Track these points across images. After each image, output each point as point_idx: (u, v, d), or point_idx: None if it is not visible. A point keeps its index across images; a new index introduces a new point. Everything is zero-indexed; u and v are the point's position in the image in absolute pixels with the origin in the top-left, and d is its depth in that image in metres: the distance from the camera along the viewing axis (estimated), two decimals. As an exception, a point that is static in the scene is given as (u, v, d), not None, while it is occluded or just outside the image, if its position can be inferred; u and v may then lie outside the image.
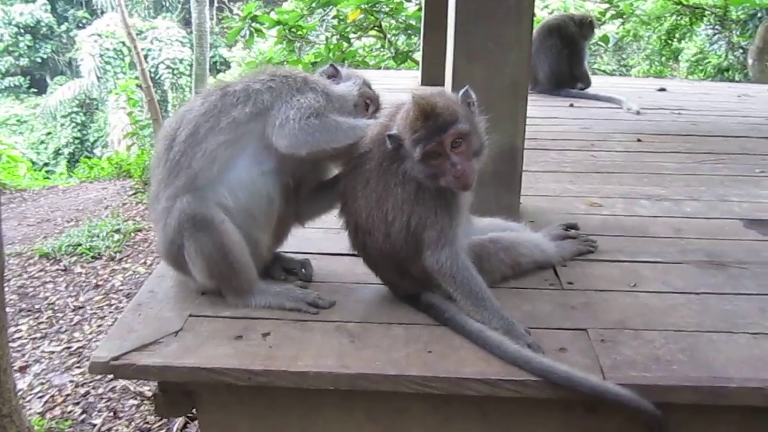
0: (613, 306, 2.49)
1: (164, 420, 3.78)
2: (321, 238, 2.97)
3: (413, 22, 10.40)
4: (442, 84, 3.41)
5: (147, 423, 3.88)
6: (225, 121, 2.37)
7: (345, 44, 10.64)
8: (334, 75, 2.73)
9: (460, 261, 2.30)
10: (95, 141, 23.88)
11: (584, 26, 7.25)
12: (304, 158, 2.39)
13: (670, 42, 14.01)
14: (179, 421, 3.73)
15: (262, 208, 2.43)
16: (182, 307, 2.44)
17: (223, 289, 2.45)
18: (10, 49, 26.13)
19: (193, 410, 2.35)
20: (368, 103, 2.70)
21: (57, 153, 23.68)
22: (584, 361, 2.13)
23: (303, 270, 2.71)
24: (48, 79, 27.73)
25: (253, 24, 10.15)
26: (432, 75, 6.83)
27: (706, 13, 13.00)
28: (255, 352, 2.16)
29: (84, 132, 24.25)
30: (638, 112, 6.19)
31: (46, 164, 22.35)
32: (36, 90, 26.99)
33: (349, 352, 2.17)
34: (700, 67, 14.23)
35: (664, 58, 15.09)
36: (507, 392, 2.07)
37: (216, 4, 25.07)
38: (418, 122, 2.17)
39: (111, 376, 3.68)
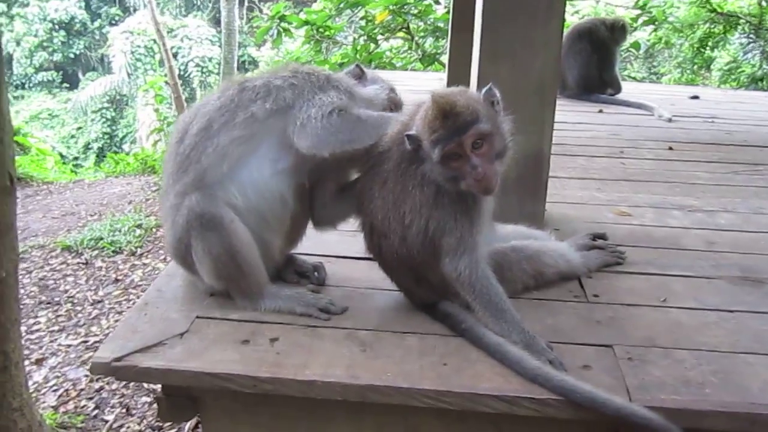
0: (641, 322, 2.37)
1: (176, 418, 3.73)
2: (336, 240, 2.88)
3: (441, 25, 10.30)
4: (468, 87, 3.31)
5: (159, 421, 3.83)
6: (242, 116, 2.30)
7: (372, 45, 10.59)
8: (360, 76, 2.65)
9: (480, 269, 2.20)
10: (124, 136, 24.27)
11: (616, 30, 7.06)
12: (325, 158, 2.30)
13: (702, 50, 13.67)
14: (191, 421, 3.67)
15: (274, 210, 2.35)
16: (189, 308, 2.37)
17: (232, 291, 2.38)
18: (45, 44, 26.71)
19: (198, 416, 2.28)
20: (392, 108, 2.61)
21: (86, 147, 24.11)
22: (609, 380, 2.02)
23: (316, 273, 2.63)
24: (80, 75, 28.25)
25: (282, 24, 10.14)
26: (459, 77, 6.63)
27: (741, 21, 12.66)
28: (262, 358, 2.08)
29: (113, 127, 24.66)
30: (670, 120, 6.02)
31: (75, 158, 22.76)
32: (68, 85, 27.51)
33: (359, 362, 2.08)
34: (733, 76, 13.87)
35: (696, 67, 14.74)
36: (525, 411, 1.96)
37: (246, 4, 25.27)
38: (437, 122, 2.07)
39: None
